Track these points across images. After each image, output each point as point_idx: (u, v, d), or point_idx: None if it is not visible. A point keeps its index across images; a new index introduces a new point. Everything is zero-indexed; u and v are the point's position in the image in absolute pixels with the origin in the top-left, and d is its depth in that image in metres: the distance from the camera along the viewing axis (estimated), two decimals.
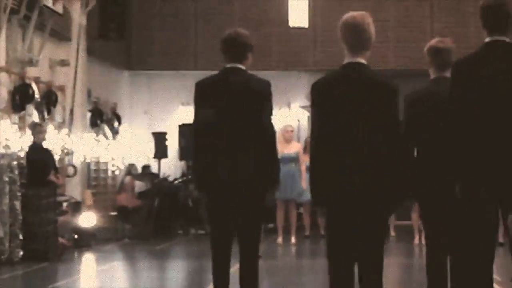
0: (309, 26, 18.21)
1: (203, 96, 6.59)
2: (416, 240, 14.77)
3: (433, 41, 6.63)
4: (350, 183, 5.14)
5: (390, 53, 19.45)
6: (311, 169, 5.35)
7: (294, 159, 14.93)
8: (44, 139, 13.23)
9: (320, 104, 5.30)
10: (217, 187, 6.51)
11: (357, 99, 5.22)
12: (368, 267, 5.19)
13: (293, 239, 15.19)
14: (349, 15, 5.34)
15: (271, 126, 6.61)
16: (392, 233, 15.99)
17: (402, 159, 5.25)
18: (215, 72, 6.75)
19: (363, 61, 5.32)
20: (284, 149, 14.41)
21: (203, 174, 6.55)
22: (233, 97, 6.51)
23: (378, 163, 5.14)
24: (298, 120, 20.01)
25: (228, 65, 6.63)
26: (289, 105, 20.13)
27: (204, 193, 6.70)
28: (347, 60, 5.35)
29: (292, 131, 15.35)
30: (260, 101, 6.53)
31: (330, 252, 5.25)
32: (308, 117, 19.13)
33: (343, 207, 5.17)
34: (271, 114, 6.62)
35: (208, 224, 6.82)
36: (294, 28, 18.06)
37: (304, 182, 14.49)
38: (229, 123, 6.50)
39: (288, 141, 14.96)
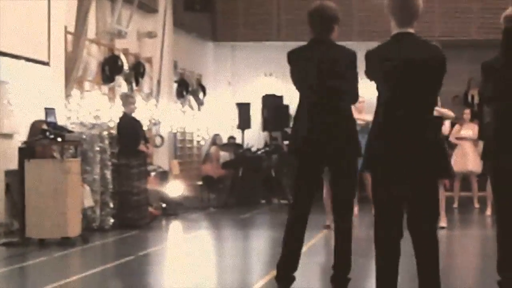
0: None
1: (294, 65, 6.82)
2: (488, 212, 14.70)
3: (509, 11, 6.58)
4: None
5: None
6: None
7: (364, 129, 14.74)
8: (134, 109, 13.43)
9: (375, 72, 5.43)
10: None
11: (409, 69, 5.30)
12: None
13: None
14: None
15: (353, 94, 6.73)
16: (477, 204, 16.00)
17: None
18: (298, 42, 6.98)
19: (411, 31, 5.40)
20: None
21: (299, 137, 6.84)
22: (318, 68, 6.66)
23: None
24: None
25: (315, 37, 6.79)
26: None
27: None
28: (396, 31, 5.41)
29: (362, 101, 15.25)
30: (345, 70, 6.66)
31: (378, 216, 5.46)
32: None
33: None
34: (355, 82, 6.74)
35: (293, 187, 7.00)
36: None
37: None
38: (316, 92, 6.69)
39: (359, 111, 14.90)
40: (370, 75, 5.49)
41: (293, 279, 6.86)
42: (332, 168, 6.84)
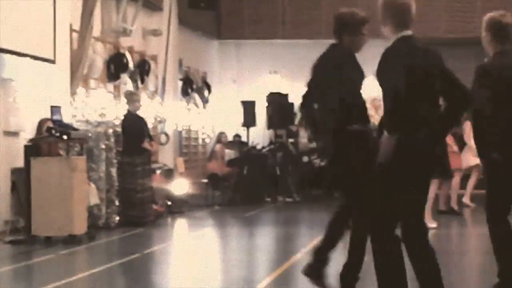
0: None
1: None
2: None
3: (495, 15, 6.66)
4: None
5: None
6: None
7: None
8: (139, 107, 13.40)
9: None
10: None
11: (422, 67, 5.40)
12: None
13: None
14: None
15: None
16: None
17: None
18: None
19: (411, 33, 5.49)
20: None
21: None
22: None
23: None
24: None
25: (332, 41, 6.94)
26: None
27: None
28: (400, 34, 5.50)
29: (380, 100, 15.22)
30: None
31: None
32: None
33: None
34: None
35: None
36: None
37: None
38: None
39: (375, 108, 14.92)
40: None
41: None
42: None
